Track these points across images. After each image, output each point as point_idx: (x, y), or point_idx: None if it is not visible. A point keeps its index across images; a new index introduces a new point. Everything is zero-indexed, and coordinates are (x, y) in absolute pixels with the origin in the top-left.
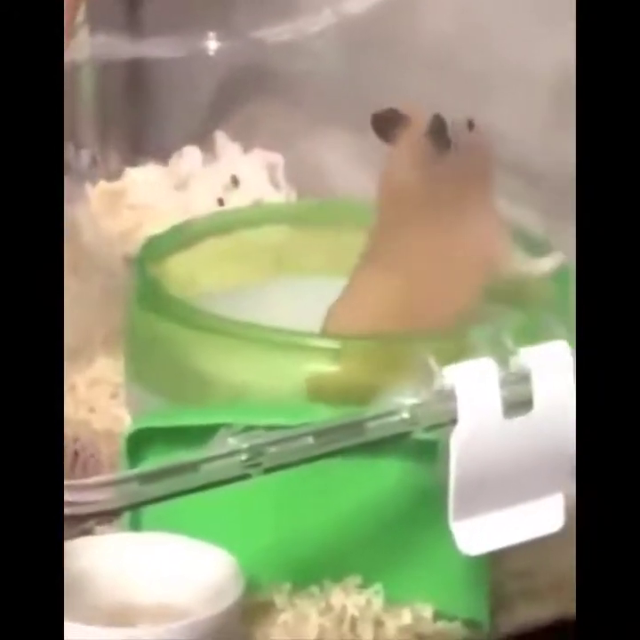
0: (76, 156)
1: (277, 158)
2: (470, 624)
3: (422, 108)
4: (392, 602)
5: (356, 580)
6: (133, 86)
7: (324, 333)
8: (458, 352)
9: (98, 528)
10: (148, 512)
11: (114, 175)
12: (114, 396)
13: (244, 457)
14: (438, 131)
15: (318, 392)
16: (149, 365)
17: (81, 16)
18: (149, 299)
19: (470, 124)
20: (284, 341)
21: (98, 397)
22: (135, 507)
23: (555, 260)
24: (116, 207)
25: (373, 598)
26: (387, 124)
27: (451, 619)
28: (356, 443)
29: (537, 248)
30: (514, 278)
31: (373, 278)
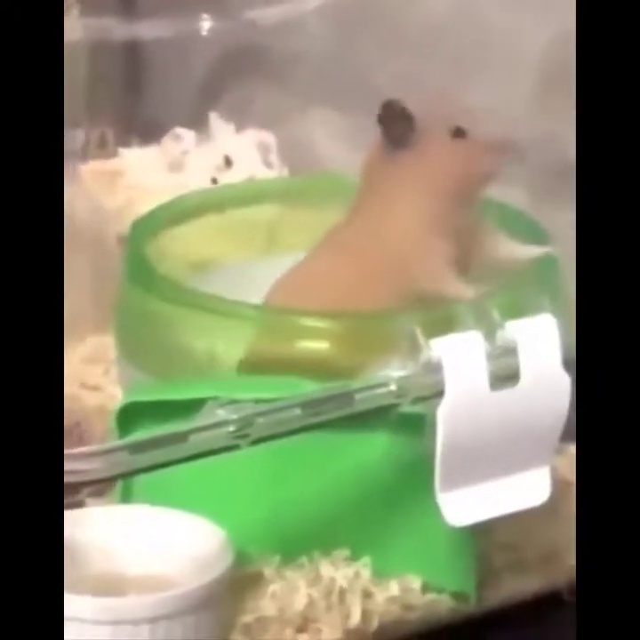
0: (70, 136)
1: (270, 138)
2: (458, 596)
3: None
4: (380, 574)
5: (344, 552)
6: (127, 67)
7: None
8: (444, 326)
9: (89, 501)
10: (139, 486)
11: (107, 155)
12: (106, 372)
13: (232, 428)
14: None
15: (308, 369)
16: (139, 342)
17: None
18: (139, 276)
19: (458, 131)
20: (270, 319)
21: (91, 374)
22: (125, 476)
23: (541, 249)
24: (110, 187)
25: (361, 570)
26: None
27: (438, 591)
28: (344, 414)
29: (534, 236)
30: (498, 264)
31: (324, 259)
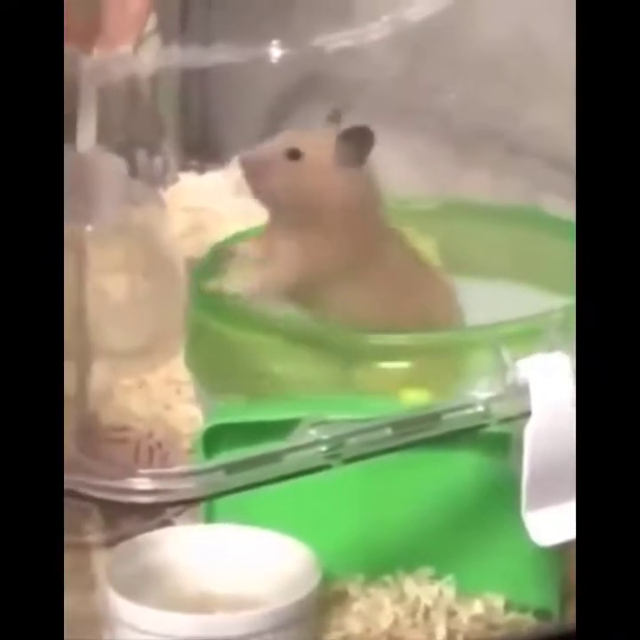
0: (150, 162)
1: None
2: (541, 614)
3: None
4: (464, 592)
5: (428, 571)
6: (197, 93)
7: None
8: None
9: (175, 519)
10: (223, 504)
11: (177, 180)
12: (180, 393)
13: (324, 448)
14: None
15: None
16: (212, 368)
17: (151, 25)
18: (210, 305)
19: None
20: (347, 341)
21: (169, 395)
22: (220, 496)
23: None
24: (178, 212)
25: (445, 589)
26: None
27: (522, 609)
28: (432, 434)
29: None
30: None
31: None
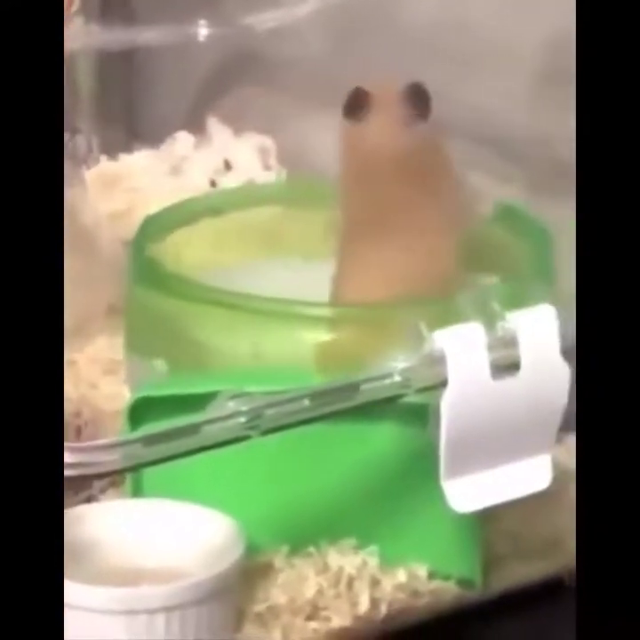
0: (73, 141)
1: (268, 142)
2: (463, 583)
3: (392, 79)
4: (387, 563)
5: (351, 541)
6: (126, 73)
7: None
8: (446, 317)
9: (101, 496)
10: (148, 480)
11: (108, 160)
12: (112, 372)
13: (243, 419)
14: (417, 95)
15: (316, 359)
16: (149, 340)
17: (76, 6)
18: (148, 275)
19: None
20: (281, 311)
21: (97, 374)
22: (139, 468)
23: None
24: (111, 191)
25: (369, 559)
26: (353, 104)
27: (445, 578)
28: (351, 405)
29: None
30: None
31: (366, 253)
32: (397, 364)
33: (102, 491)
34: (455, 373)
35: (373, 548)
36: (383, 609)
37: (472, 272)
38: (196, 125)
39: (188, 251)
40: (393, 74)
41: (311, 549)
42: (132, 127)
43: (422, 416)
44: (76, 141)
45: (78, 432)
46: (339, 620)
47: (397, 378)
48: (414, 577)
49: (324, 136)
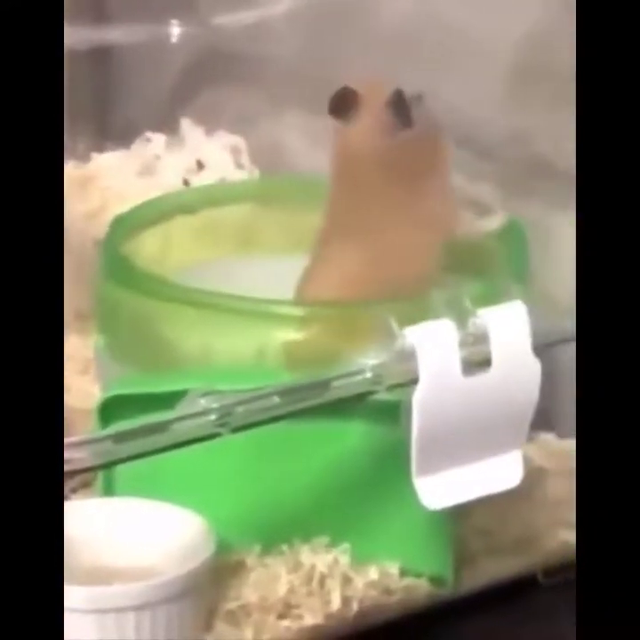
0: None
1: (241, 141)
2: (435, 580)
3: (380, 81)
4: (359, 560)
5: (323, 539)
6: (97, 72)
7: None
8: (418, 315)
9: (71, 496)
10: (120, 479)
11: (80, 160)
12: (84, 372)
13: (213, 416)
14: (399, 104)
15: (286, 358)
16: (121, 338)
17: None
18: (120, 274)
19: (419, 97)
20: (251, 309)
21: (69, 373)
22: (109, 465)
23: (500, 219)
24: (83, 191)
25: (341, 557)
26: (340, 103)
27: (416, 575)
28: (321, 402)
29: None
30: (466, 240)
31: (338, 252)
32: (368, 361)
33: (74, 490)
34: (426, 370)
35: (345, 545)
36: (355, 607)
37: (446, 270)
38: (167, 125)
39: (159, 249)
40: (370, 73)
41: (283, 547)
42: (103, 127)
43: (393, 413)
44: None
45: None
46: (311, 618)
47: (368, 374)
48: (386, 574)
49: (297, 135)
